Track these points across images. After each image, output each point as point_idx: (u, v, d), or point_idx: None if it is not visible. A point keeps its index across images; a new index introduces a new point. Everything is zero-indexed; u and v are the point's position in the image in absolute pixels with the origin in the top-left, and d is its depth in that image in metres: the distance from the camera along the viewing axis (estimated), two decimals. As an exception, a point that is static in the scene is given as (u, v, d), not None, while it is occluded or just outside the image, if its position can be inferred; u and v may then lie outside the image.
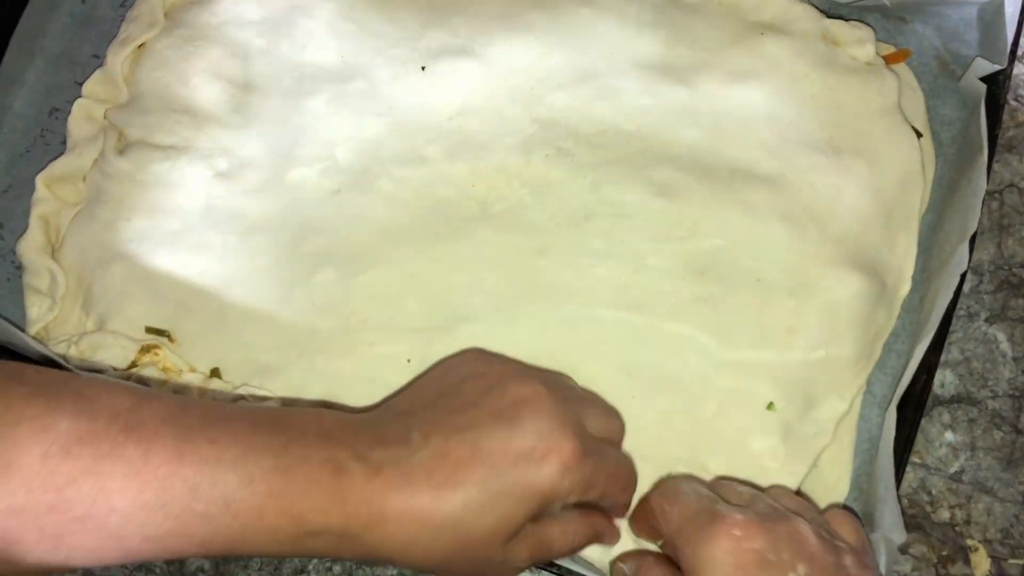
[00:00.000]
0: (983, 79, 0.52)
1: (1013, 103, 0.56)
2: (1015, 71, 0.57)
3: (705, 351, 0.51)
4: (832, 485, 0.51)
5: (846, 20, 0.55)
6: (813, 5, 0.56)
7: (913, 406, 0.48)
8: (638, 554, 0.45)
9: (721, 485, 0.45)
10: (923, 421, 0.52)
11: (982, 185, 0.49)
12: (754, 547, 0.38)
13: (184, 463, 0.35)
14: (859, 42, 0.54)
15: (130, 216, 0.54)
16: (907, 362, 0.48)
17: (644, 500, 0.46)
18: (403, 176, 0.54)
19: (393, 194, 0.54)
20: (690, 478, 0.47)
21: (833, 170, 0.52)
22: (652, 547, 0.47)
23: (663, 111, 0.54)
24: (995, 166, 0.55)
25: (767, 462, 0.49)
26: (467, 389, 0.42)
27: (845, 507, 0.49)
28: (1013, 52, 0.50)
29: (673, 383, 0.50)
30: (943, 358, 0.53)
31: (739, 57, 0.55)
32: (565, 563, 0.46)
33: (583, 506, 0.42)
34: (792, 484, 0.49)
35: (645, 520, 0.45)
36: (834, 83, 0.54)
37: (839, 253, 0.51)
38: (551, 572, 0.46)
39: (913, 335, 0.52)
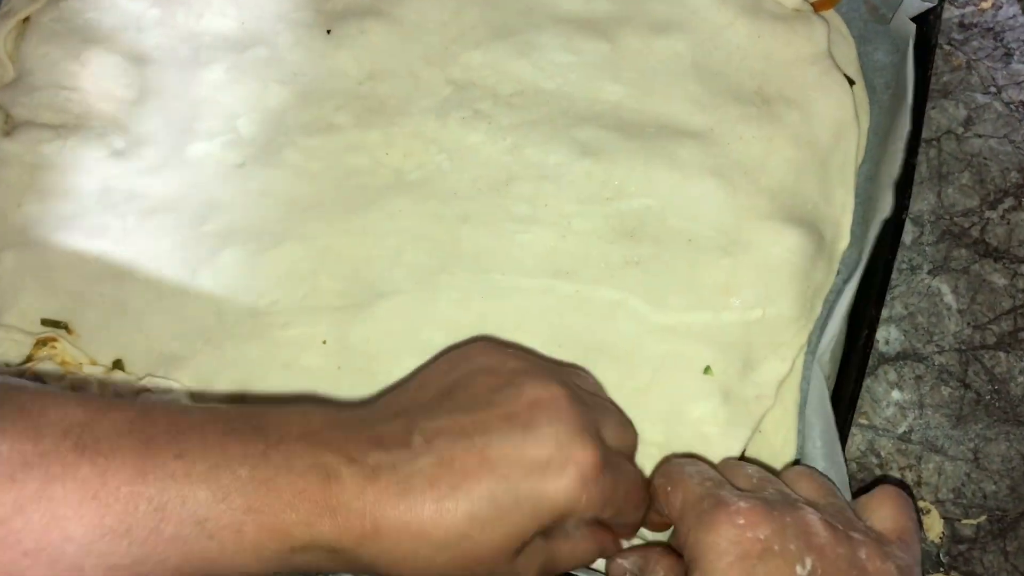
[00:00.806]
0: (913, 19, 0.49)
1: (947, 47, 0.54)
2: (949, 15, 0.55)
3: (637, 316, 0.48)
4: (778, 449, 0.48)
5: (771, -35, 0.53)
6: (736, -49, 0.54)
7: (857, 364, 0.46)
8: (643, 548, 0.41)
9: (728, 466, 0.42)
10: (869, 380, 0.50)
11: (906, 127, 0.46)
12: (758, 536, 0.34)
13: (148, 481, 0.32)
14: (785, -13, 0.52)
15: (20, 202, 0.50)
16: (837, 314, 0.46)
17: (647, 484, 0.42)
18: (311, 146, 0.51)
19: (301, 165, 0.50)
20: (694, 459, 0.43)
21: (764, 121, 0.50)
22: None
23: (584, 67, 0.51)
24: (931, 112, 0.53)
25: (707, 428, 0.47)
26: (476, 386, 0.38)
27: (901, 484, 0.45)
28: (943, -12, 0.48)
29: (606, 351, 0.48)
30: (887, 314, 0.51)
31: (660, 7, 0.52)
32: None
33: (593, 523, 0.39)
34: (735, 450, 0.47)
35: (650, 507, 0.42)
36: (761, 31, 0.51)
37: (773, 207, 0.49)
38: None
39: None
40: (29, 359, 0.48)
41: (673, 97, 0.51)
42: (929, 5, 0.48)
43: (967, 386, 0.49)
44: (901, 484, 0.44)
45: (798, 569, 0.34)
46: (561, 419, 0.36)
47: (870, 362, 0.50)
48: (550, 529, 0.37)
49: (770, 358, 0.48)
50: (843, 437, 0.45)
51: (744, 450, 0.47)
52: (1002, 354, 0.50)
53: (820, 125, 0.50)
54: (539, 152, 0.50)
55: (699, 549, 0.35)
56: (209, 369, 0.48)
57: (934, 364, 0.50)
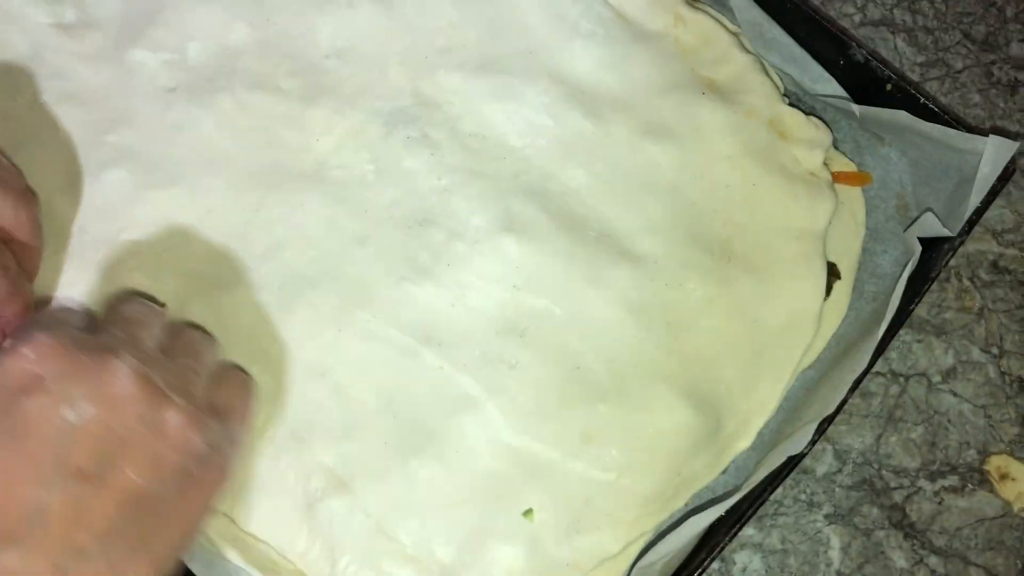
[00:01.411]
0: (925, 241, 0.42)
1: (967, 283, 0.46)
2: (985, 248, 0.47)
3: (487, 423, 0.42)
4: (570, 626, 0.43)
5: (808, 114, 0.45)
6: (779, 84, 0.46)
7: (682, 579, 0.40)
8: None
9: (125, 304, 0.39)
10: (703, 599, 0.43)
11: (863, 363, 0.39)
12: (38, 371, 0.32)
13: None
14: (809, 144, 0.45)
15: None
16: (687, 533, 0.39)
17: None
18: (249, 101, 0.46)
19: (229, 116, 0.46)
20: (142, 302, 0.39)
21: (714, 278, 0.43)
22: None
23: (556, 138, 0.45)
24: (916, 347, 0.45)
25: (496, 571, 0.41)
26: None
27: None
28: (972, 222, 0.40)
29: (436, 444, 0.42)
30: (760, 539, 0.44)
31: (666, 110, 0.45)
32: None
33: None
34: (517, 606, 0.41)
35: None
36: (760, 180, 0.44)
37: (680, 375, 0.42)
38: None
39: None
40: None
41: (631, 209, 0.44)
42: (947, 234, 0.41)
43: (805, 658, 0.42)
44: None
45: (66, 412, 0.31)
46: None
47: (714, 582, 0.43)
48: None
49: (602, 530, 0.42)
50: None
51: (528, 612, 0.42)
52: (862, 641, 0.42)
53: (774, 309, 0.43)
54: (466, 207, 0.44)
55: None
56: (47, 278, 0.44)
57: (783, 617, 0.43)
